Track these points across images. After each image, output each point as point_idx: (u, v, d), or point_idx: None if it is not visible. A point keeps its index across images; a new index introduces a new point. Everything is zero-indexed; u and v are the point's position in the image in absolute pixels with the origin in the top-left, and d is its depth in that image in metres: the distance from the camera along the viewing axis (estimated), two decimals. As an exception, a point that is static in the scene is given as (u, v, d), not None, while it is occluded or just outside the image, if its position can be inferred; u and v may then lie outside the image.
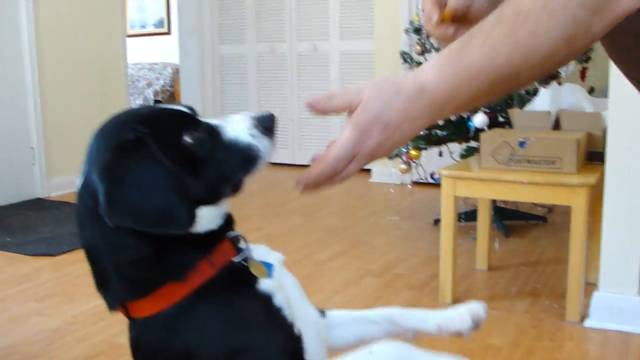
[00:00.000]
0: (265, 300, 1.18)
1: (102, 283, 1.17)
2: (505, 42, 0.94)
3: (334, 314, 1.42)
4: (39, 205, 5.12)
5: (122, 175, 1.08)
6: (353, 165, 1.06)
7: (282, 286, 1.23)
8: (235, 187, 1.18)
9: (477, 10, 1.18)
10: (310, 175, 1.06)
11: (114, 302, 1.18)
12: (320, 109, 1.07)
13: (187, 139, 1.13)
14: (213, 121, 1.18)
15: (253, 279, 1.19)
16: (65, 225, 4.44)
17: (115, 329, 2.78)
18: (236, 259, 1.20)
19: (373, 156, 1.05)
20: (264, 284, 1.19)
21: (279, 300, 1.19)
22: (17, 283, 3.37)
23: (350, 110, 1.03)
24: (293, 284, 1.30)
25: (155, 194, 1.08)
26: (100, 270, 1.16)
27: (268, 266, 1.24)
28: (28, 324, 2.87)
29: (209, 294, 1.15)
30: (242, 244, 1.23)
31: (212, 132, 1.16)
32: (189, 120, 1.15)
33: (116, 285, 1.15)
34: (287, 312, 1.19)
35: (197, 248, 1.16)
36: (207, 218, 1.16)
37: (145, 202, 1.07)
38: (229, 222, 1.25)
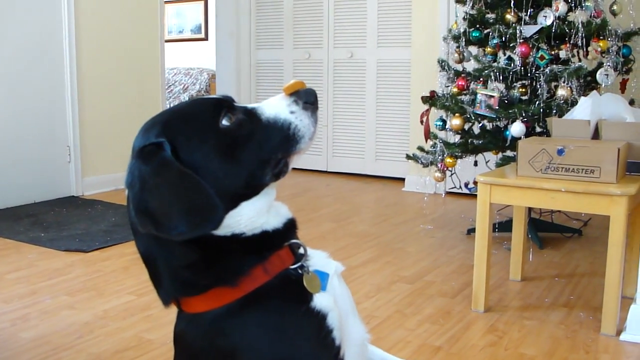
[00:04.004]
0: (318, 319, 1.16)
1: (157, 283, 1.18)
2: None
3: (371, 348, 1.41)
4: (72, 202, 5.16)
5: (140, 183, 1.08)
6: None
7: (336, 300, 1.21)
8: (277, 171, 1.16)
9: None
10: None
11: (167, 298, 1.18)
12: None
13: (225, 122, 1.12)
14: (251, 105, 1.18)
15: (308, 293, 1.17)
16: (97, 223, 4.46)
17: (144, 325, 2.78)
18: (292, 267, 1.18)
19: None
20: (319, 302, 1.17)
21: (331, 320, 1.17)
22: (49, 277, 3.39)
23: None
24: (346, 297, 1.28)
25: (170, 199, 1.06)
26: (156, 272, 1.17)
27: (323, 276, 1.22)
28: (59, 316, 2.88)
29: (259, 300, 1.14)
30: (301, 251, 1.21)
31: (250, 114, 1.15)
32: (225, 105, 1.14)
33: (169, 285, 1.15)
34: (336, 334, 1.17)
35: (250, 253, 1.15)
36: (251, 214, 1.14)
37: (161, 208, 1.06)
38: (290, 227, 1.22)
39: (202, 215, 1.06)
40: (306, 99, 1.16)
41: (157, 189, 1.06)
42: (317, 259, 1.25)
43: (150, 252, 1.15)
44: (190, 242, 1.09)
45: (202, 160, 1.10)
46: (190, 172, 1.07)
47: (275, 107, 1.16)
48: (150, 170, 1.07)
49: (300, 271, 1.19)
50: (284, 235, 1.20)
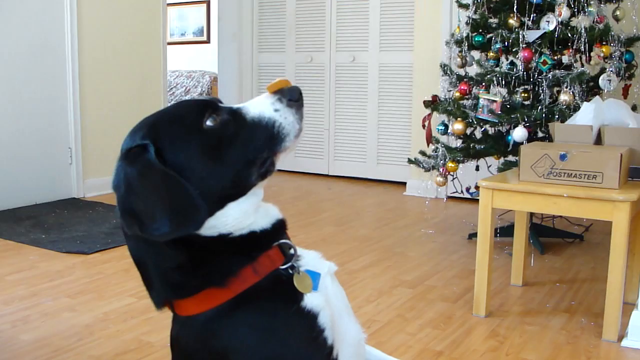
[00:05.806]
0: (309, 319, 1.16)
1: (149, 286, 1.19)
2: None
3: (368, 348, 1.41)
4: (74, 204, 5.16)
5: (125, 185, 1.10)
6: None
7: (328, 299, 1.21)
8: (263, 171, 1.16)
9: None
10: None
11: (159, 301, 1.19)
12: None
13: (209, 123, 1.13)
14: (237, 105, 1.19)
15: (299, 293, 1.17)
16: (98, 225, 4.46)
17: (144, 327, 2.78)
18: (282, 267, 1.18)
19: None
20: (310, 302, 1.17)
21: (323, 319, 1.17)
22: (50, 279, 3.38)
23: None
24: (340, 297, 1.28)
25: (153, 200, 1.07)
26: (147, 275, 1.18)
27: (315, 276, 1.22)
28: (60, 318, 2.87)
29: (250, 301, 1.15)
30: (291, 252, 1.21)
31: (235, 114, 1.16)
32: (210, 106, 1.15)
33: (160, 287, 1.16)
34: (328, 333, 1.17)
35: (239, 254, 1.15)
36: (237, 215, 1.15)
37: (144, 209, 1.07)
38: (278, 228, 1.22)
39: (184, 216, 1.07)
40: (290, 96, 1.17)
41: (141, 190, 1.07)
42: (309, 259, 1.25)
43: (141, 255, 1.17)
44: (177, 243, 1.10)
45: (187, 161, 1.11)
46: (173, 174, 1.08)
47: (260, 106, 1.17)
48: (135, 172, 1.09)
49: (290, 271, 1.19)
50: (273, 236, 1.20)
